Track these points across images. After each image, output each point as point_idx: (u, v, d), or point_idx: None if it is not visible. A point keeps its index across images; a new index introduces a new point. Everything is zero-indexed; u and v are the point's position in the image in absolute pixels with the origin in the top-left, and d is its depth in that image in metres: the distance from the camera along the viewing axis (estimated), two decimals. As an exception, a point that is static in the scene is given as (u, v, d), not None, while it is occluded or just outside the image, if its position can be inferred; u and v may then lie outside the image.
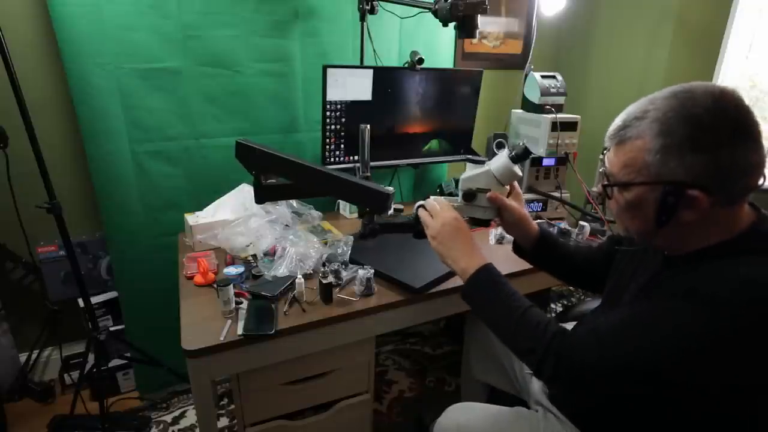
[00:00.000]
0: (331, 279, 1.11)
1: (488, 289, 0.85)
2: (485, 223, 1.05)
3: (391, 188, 1.00)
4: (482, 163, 1.01)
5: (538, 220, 1.14)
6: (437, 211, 0.94)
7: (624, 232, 0.79)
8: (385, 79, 1.60)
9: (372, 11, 1.53)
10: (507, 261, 1.30)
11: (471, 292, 0.88)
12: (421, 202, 1.00)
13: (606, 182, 0.74)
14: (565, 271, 1.09)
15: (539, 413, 0.99)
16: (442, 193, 1.83)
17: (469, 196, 1.00)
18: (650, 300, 0.72)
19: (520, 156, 0.95)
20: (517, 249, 1.11)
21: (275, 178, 1.09)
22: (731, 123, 0.63)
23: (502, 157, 0.98)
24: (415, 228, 1.01)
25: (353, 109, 1.57)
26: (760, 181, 0.66)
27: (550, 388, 0.76)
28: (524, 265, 1.25)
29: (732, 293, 0.61)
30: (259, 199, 1.10)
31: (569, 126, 1.69)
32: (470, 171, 1.02)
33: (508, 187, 1.03)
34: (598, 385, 0.74)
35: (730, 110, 0.64)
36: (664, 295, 0.68)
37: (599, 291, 0.99)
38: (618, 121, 0.72)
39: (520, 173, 0.99)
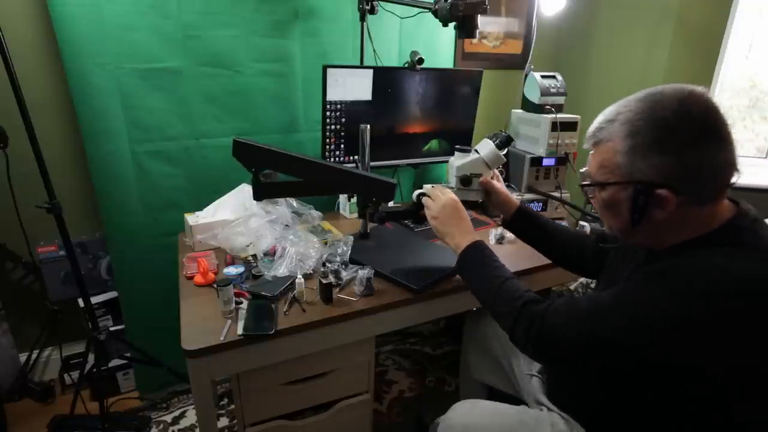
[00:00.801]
0: (331, 279, 1.11)
1: (476, 262, 0.94)
2: (476, 206, 1.15)
3: (394, 180, 1.09)
4: (468, 151, 1.11)
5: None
6: (438, 195, 1.05)
7: (608, 229, 0.82)
8: (385, 79, 1.60)
9: (372, 11, 1.53)
10: (507, 260, 1.29)
11: (461, 265, 0.97)
12: (420, 190, 1.11)
13: (584, 182, 0.78)
14: (548, 246, 1.15)
15: (544, 412, 0.99)
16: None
17: (466, 181, 1.11)
18: (631, 282, 0.74)
19: (504, 143, 1.08)
20: (504, 223, 1.20)
21: (274, 176, 1.10)
22: (697, 124, 0.65)
23: (489, 145, 1.09)
24: (416, 213, 1.12)
25: (353, 109, 1.57)
26: (734, 179, 0.68)
27: (524, 352, 0.81)
28: (525, 264, 1.26)
29: (707, 284, 0.63)
30: (258, 196, 1.11)
31: (569, 126, 1.69)
32: (460, 159, 1.12)
33: (491, 172, 1.14)
34: (573, 356, 0.76)
35: (697, 111, 0.65)
36: (643, 278, 0.71)
37: (587, 276, 1.08)
38: (595, 123, 0.75)
39: (504, 158, 1.12)
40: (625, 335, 0.68)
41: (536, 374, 1.08)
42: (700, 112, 0.65)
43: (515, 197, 1.17)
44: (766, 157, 2.10)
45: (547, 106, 1.71)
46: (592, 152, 0.76)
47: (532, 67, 1.94)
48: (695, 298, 0.63)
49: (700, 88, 0.68)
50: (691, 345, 0.64)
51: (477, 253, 0.94)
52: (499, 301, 0.85)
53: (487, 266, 0.92)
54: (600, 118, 0.74)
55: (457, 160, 1.11)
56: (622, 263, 0.87)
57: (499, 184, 1.15)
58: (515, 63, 2.20)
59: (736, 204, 0.73)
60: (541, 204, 1.73)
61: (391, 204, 1.64)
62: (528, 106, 1.82)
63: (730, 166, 0.67)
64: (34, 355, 1.69)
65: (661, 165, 0.66)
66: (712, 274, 0.64)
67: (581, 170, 0.80)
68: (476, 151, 1.11)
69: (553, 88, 1.74)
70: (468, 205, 1.13)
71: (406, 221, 1.55)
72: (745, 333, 0.63)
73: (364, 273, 1.13)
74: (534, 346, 0.78)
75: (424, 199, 1.07)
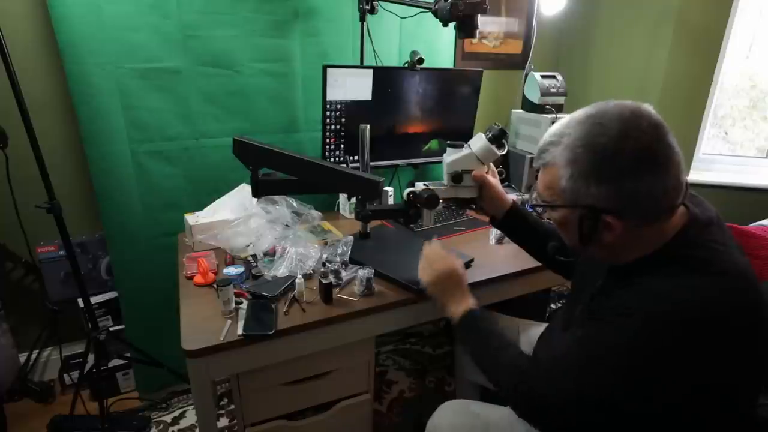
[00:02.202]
0: (331, 279, 1.11)
1: (470, 331, 0.94)
2: (470, 203, 1.12)
3: (381, 178, 1.06)
4: (461, 146, 1.07)
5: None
6: (433, 260, 1.03)
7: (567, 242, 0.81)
8: (385, 79, 1.60)
9: (372, 11, 1.53)
10: (507, 260, 1.30)
11: (459, 333, 0.98)
12: (410, 189, 1.07)
13: (533, 201, 0.79)
14: (537, 246, 1.12)
15: None
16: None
17: (458, 178, 1.07)
18: (592, 324, 0.73)
19: (497, 137, 1.03)
20: (493, 221, 1.17)
21: (273, 175, 1.10)
22: (635, 152, 0.64)
23: (481, 140, 1.05)
24: (406, 213, 1.07)
25: (353, 109, 1.57)
26: (680, 198, 0.67)
27: (518, 415, 0.83)
28: (524, 265, 1.26)
29: (653, 320, 0.63)
30: (256, 193, 1.11)
31: (569, 126, 1.68)
32: (452, 155, 1.08)
33: (485, 167, 1.10)
34: (555, 416, 0.76)
35: (636, 137, 0.64)
36: (603, 319, 0.70)
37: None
38: (540, 143, 0.75)
39: (498, 153, 1.06)
40: (600, 388, 0.68)
41: None
42: (639, 137, 0.64)
43: (515, 196, 1.16)
44: (766, 157, 2.10)
45: (547, 106, 1.71)
46: (540, 171, 0.76)
47: (532, 67, 1.94)
48: (648, 334, 0.63)
49: (645, 106, 0.66)
50: (660, 383, 0.64)
51: (470, 322, 0.95)
52: (493, 371, 0.86)
53: (481, 334, 0.92)
54: (545, 138, 0.73)
55: (449, 156, 1.08)
56: (590, 273, 0.87)
57: (494, 180, 1.11)
58: (515, 63, 2.20)
59: (688, 209, 0.71)
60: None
61: (390, 203, 1.64)
62: (528, 106, 1.82)
63: (675, 189, 0.66)
64: (33, 355, 1.69)
65: (602, 193, 0.66)
66: (656, 307, 0.64)
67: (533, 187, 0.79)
68: (468, 146, 1.08)
69: (553, 88, 1.74)
70: (461, 202, 1.12)
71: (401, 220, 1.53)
72: (705, 355, 0.62)
73: (364, 273, 1.13)
74: (523, 412, 0.80)
75: (421, 258, 1.05)
